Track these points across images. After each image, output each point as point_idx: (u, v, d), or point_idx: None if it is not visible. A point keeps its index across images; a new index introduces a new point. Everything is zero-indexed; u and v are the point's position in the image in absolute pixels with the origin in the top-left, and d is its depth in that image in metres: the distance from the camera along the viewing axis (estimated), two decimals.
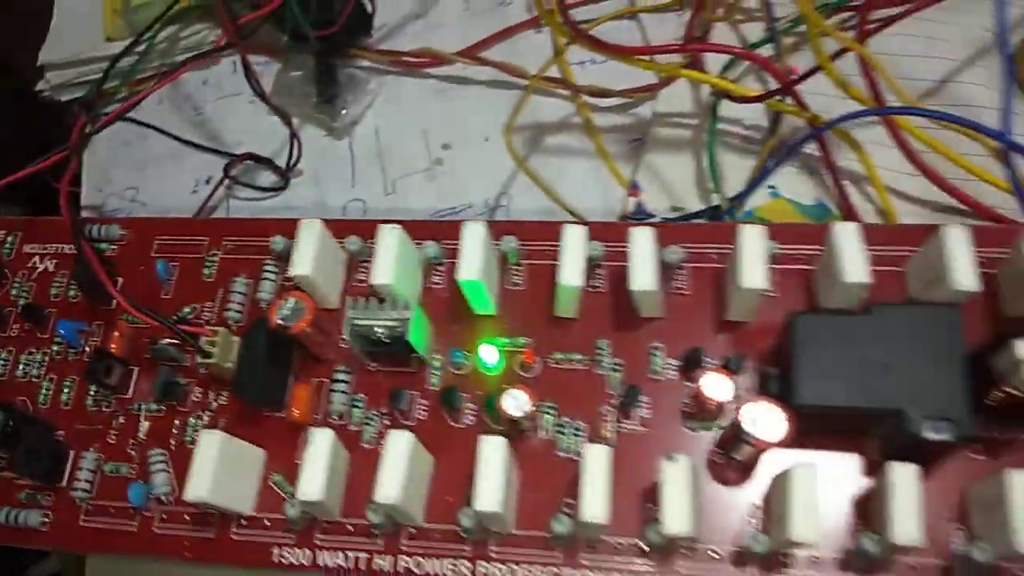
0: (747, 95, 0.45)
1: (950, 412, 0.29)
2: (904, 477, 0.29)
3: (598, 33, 0.44)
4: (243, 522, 0.37)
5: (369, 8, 0.55)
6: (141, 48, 0.55)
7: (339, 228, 0.41)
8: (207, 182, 0.54)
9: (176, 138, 0.54)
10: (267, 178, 0.53)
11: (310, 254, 0.38)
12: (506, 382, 0.37)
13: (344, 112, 0.53)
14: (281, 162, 0.52)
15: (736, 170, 0.47)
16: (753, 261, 0.34)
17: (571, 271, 0.35)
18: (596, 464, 0.32)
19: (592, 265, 0.38)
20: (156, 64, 0.57)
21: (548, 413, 0.37)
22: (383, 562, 0.36)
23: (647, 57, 0.46)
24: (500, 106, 0.51)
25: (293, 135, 0.52)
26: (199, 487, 0.34)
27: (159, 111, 0.57)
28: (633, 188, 0.48)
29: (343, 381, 0.39)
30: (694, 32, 0.51)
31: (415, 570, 0.35)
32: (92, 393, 0.41)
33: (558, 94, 0.52)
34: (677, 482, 0.31)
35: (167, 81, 0.52)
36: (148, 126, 0.54)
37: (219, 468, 0.35)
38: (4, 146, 0.50)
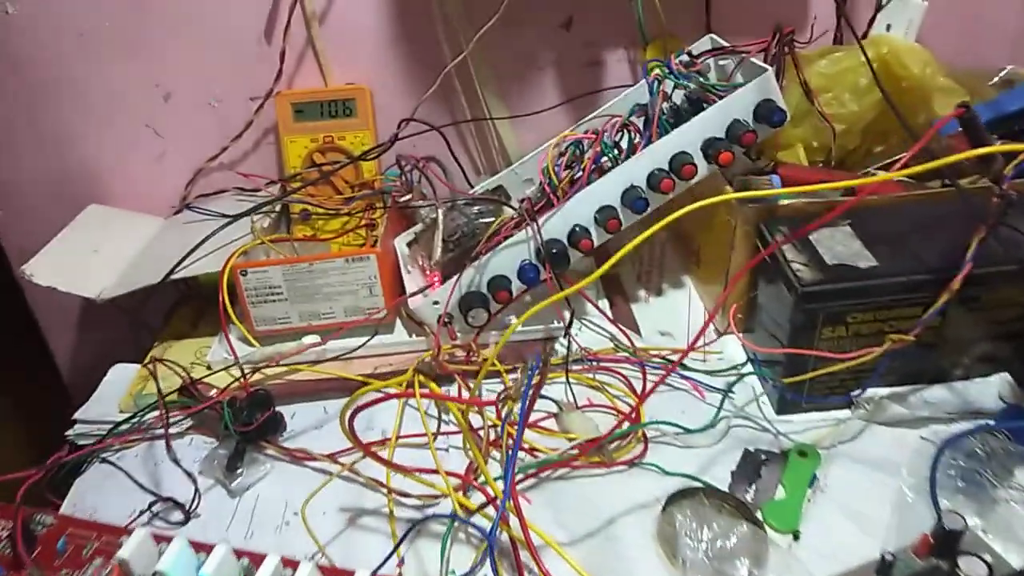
0: None
1: None
2: None
3: None
4: None
5: (281, 417, 0.85)
6: (135, 420, 0.86)
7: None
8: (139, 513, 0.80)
9: (136, 482, 0.82)
10: (176, 515, 0.79)
11: None
12: None
13: (238, 482, 0.80)
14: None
15: None
16: None
17: None
18: None
19: None
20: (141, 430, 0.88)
21: None
22: None
23: None
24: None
25: (196, 490, 0.79)
26: None
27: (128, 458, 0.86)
28: None
29: None
30: None
31: None
32: None
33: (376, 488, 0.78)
34: None
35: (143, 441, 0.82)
36: (120, 469, 0.83)
37: None
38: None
